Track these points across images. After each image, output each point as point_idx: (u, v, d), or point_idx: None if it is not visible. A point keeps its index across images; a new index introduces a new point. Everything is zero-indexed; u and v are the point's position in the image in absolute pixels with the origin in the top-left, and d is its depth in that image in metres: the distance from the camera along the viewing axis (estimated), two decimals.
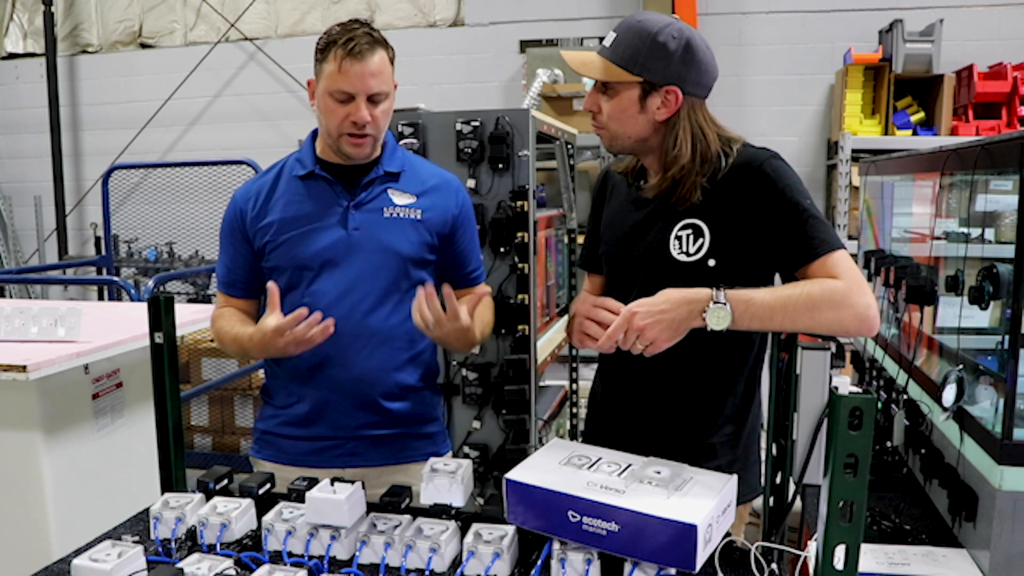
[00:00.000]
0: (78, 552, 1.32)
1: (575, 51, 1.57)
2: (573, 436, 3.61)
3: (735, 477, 1.30)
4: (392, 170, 1.75)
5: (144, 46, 6.20)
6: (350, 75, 1.60)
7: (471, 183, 2.56)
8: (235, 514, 1.37)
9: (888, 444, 2.19)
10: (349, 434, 1.74)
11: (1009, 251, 1.52)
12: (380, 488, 1.48)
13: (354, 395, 1.72)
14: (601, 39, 1.57)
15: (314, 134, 1.79)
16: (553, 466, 1.32)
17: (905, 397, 2.13)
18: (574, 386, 3.62)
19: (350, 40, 1.60)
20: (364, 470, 1.73)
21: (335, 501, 1.30)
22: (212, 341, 4.37)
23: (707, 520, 1.15)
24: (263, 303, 1.79)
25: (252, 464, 1.85)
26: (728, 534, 1.27)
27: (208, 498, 1.45)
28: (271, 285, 1.60)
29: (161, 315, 1.53)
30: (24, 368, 2.04)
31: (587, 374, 2.63)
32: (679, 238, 1.54)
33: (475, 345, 1.76)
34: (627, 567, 1.18)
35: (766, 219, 1.47)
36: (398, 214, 1.72)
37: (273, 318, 1.57)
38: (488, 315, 1.81)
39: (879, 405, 2.28)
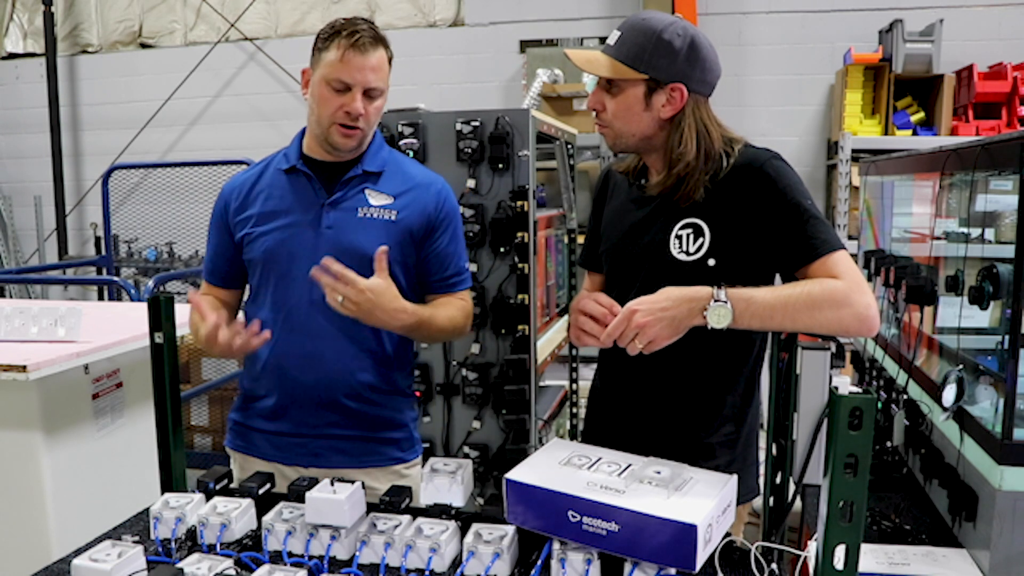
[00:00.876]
0: (78, 552, 1.32)
1: (580, 50, 1.57)
2: (573, 436, 3.61)
3: (735, 477, 1.29)
4: (371, 170, 1.74)
5: (144, 46, 6.20)
6: (351, 65, 1.61)
7: (471, 183, 2.57)
8: (235, 514, 1.37)
9: (888, 444, 2.19)
10: (312, 432, 1.74)
11: (1009, 251, 1.53)
12: None
13: (317, 394, 1.71)
14: (602, 39, 1.58)
15: (303, 131, 1.79)
16: (553, 466, 1.32)
17: (905, 397, 2.13)
18: (574, 386, 3.63)
19: (355, 32, 1.61)
20: (327, 471, 1.67)
21: (335, 501, 1.30)
22: None
23: (707, 520, 1.15)
24: (249, 293, 1.81)
25: (229, 454, 1.86)
26: (728, 534, 1.27)
27: (208, 498, 1.45)
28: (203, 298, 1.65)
29: (161, 315, 1.53)
30: (24, 368, 2.04)
31: (587, 374, 2.63)
32: (679, 237, 1.54)
33: (432, 336, 1.77)
34: (627, 567, 1.18)
35: (767, 219, 1.47)
36: (372, 214, 1.71)
37: (210, 322, 1.56)
38: (449, 311, 1.75)
39: (879, 405, 2.28)
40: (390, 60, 1.69)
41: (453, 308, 1.78)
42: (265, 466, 1.74)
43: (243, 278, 1.82)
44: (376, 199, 1.72)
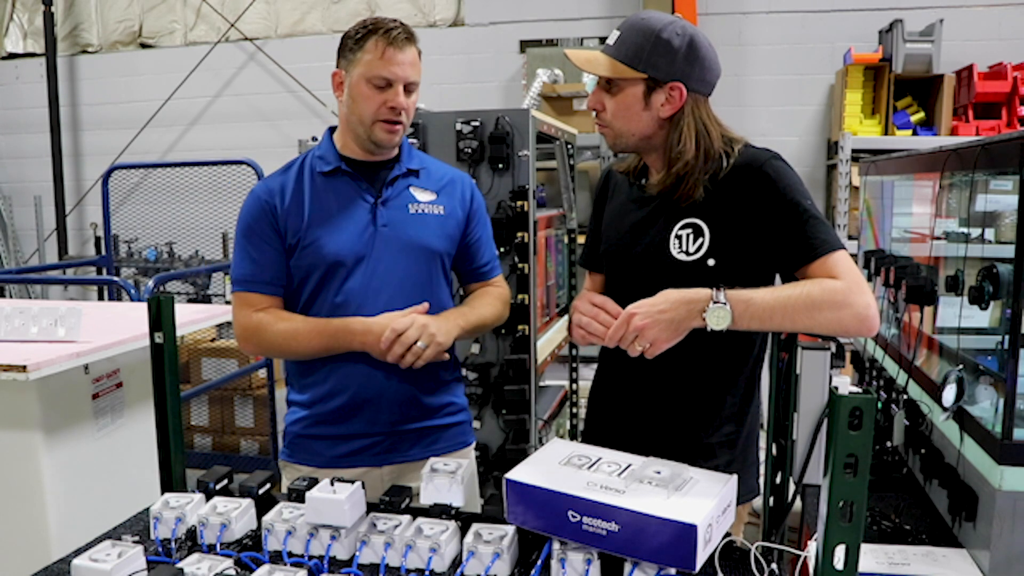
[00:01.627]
0: (78, 552, 1.32)
1: (580, 50, 1.58)
2: (573, 436, 3.61)
3: (735, 477, 1.29)
4: (413, 167, 1.79)
5: (144, 46, 6.20)
6: (392, 62, 1.64)
7: None
8: (235, 514, 1.37)
9: (888, 444, 2.19)
10: (388, 429, 1.75)
11: (1009, 251, 1.52)
12: (416, 482, 1.49)
13: (394, 390, 1.73)
14: (601, 39, 1.58)
15: (330, 131, 1.80)
16: (553, 466, 1.32)
17: (905, 397, 2.13)
18: (574, 386, 3.63)
19: (392, 30, 1.64)
20: (402, 465, 1.76)
21: (335, 501, 1.30)
22: (212, 341, 4.37)
23: (707, 520, 1.15)
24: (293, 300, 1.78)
25: (282, 469, 1.83)
26: (728, 534, 1.27)
27: (208, 498, 1.45)
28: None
29: (161, 315, 1.53)
30: (24, 368, 2.04)
31: (587, 374, 2.63)
32: (679, 237, 1.54)
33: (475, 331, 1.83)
34: (627, 567, 1.18)
35: (766, 219, 1.47)
36: (423, 210, 1.76)
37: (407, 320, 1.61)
38: (487, 307, 1.85)
39: (879, 405, 2.28)
40: (419, 55, 1.72)
41: (490, 298, 1.86)
42: (332, 475, 1.71)
43: (285, 285, 1.75)
44: (422, 195, 1.78)
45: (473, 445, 1.92)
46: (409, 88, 1.68)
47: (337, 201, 1.72)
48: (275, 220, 1.71)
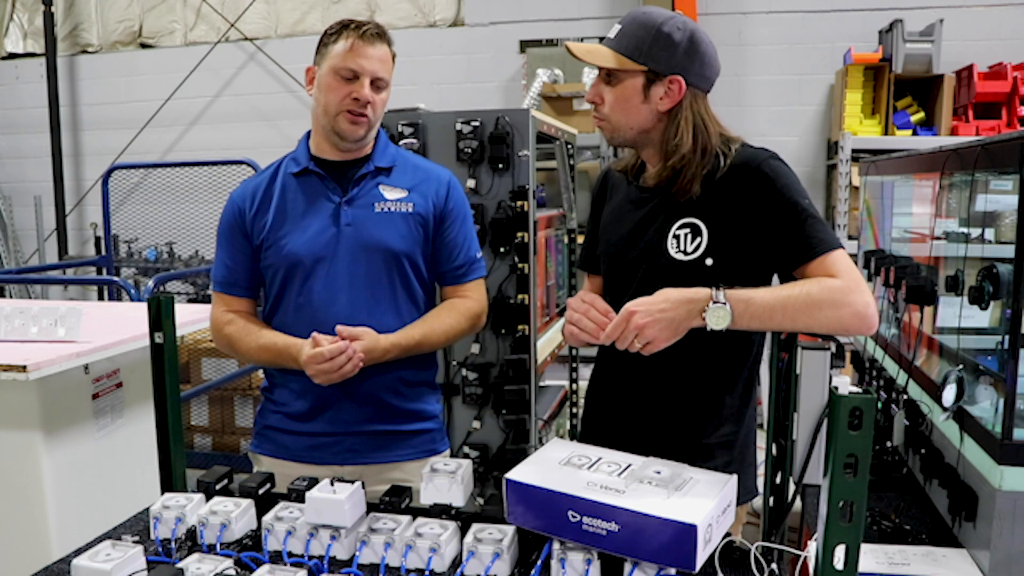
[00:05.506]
0: (78, 552, 1.32)
1: (581, 43, 1.58)
2: (573, 436, 3.61)
3: (735, 477, 1.29)
4: (383, 165, 1.77)
5: (144, 46, 6.21)
6: (359, 54, 1.66)
7: (471, 183, 2.57)
8: (235, 514, 1.37)
9: (888, 444, 2.19)
10: (349, 430, 1.75)
11: (1009, 251, 1.52)
12: (379, 485, 1.48)
13: (354, 391, 1.72)
14: (601, 39, 1.58)
15: (308, 134, 1.81)
16: (553, 466, 1.32)
17: (905, 397, 2.13)
18: (574, 386, 3.63)
19: (363, 26, 1.68)
20: (362, 467, 1.74)
21: (335, 501, 1.30)
22: (212, 341, 4.36)
23: (707, 520, 1.15)
24: (266, 300, 1.80)
25: (251, 459, 1.85)
26: (728, 534, 1.27)
27: (208, 498, 1.45)
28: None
29: (161, 315, 1.53)
30: (24, 368, 2.04)
31: (587, 374, 2.62)
32: (677, 237, 1.54)
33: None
34: (627, 567, 1.18)
35: (764, 218, 1.47)
36: (389, 208, 1.74)
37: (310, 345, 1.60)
38: (438, 324, 1.77)
39: (879, 405, 2.28)
40: (393, 58, 1.73)
41: (448, 314, 1.79)
42: (298, 468, 1.73)
43: (259, 285, 1.81)
44: (391, 193, 1.76)
45: (445, 454, 1.88)
46: (378, 84, 1.69)
47: (304, 201, 1.74)
48: (244, 224, 1.76)
